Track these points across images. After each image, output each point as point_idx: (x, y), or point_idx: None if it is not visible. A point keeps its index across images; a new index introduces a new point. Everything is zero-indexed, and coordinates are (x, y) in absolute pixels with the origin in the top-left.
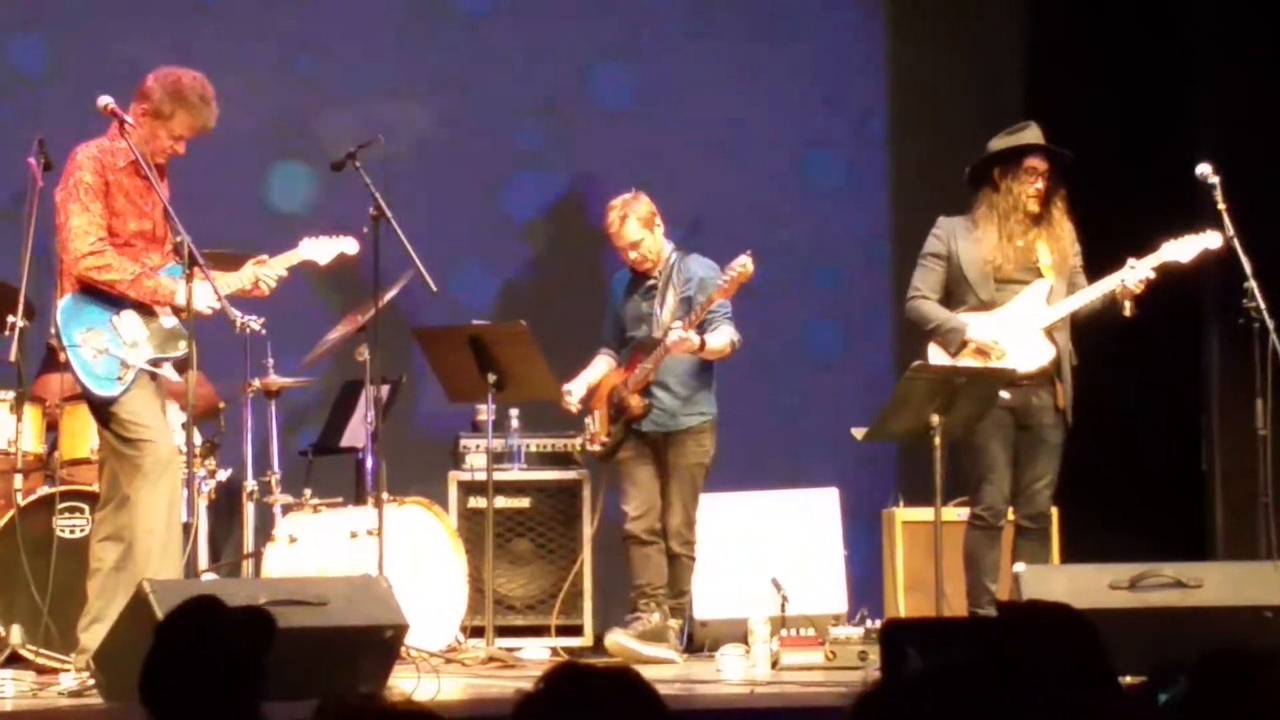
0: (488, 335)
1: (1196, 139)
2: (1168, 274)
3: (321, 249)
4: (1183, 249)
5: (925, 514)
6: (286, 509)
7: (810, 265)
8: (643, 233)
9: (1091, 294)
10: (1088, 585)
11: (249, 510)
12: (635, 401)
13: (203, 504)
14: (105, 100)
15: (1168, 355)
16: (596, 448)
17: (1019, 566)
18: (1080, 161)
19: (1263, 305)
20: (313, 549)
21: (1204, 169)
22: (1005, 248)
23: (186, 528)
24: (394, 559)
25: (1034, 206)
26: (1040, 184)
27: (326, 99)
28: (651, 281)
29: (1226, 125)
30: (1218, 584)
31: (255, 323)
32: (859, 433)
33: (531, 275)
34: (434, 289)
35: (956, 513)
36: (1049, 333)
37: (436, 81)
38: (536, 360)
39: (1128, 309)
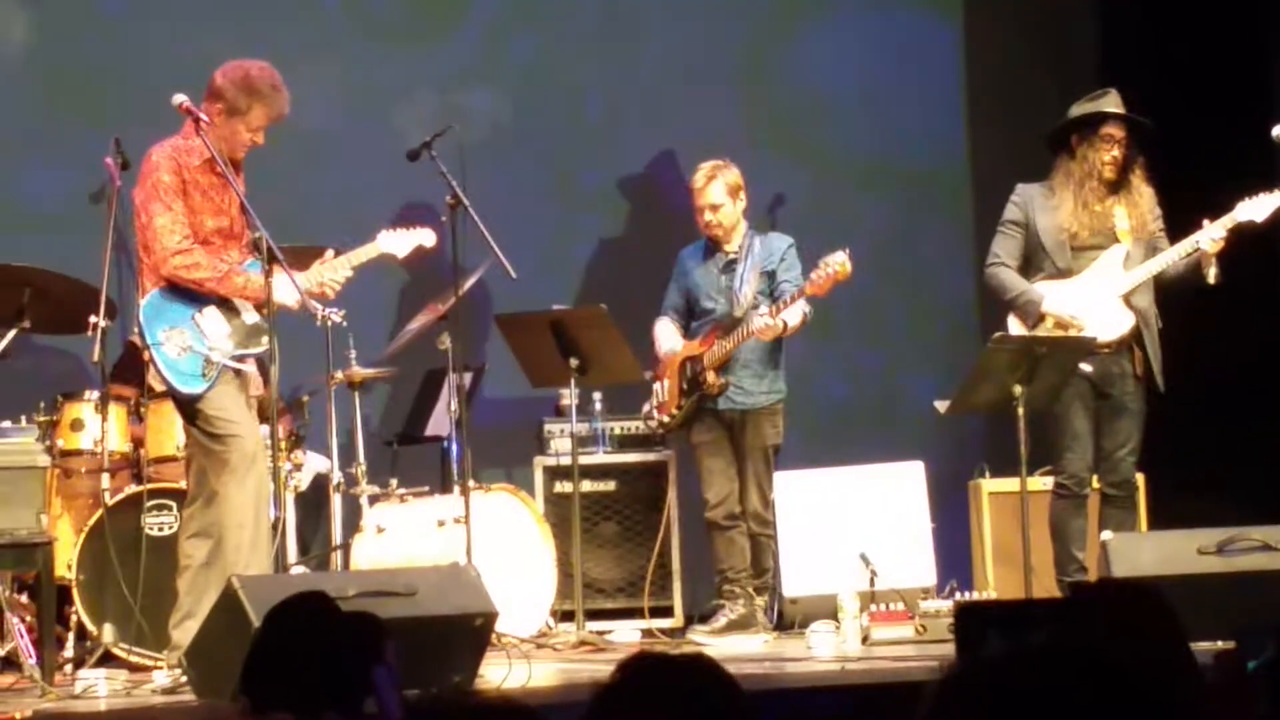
0: (569, 320)
1: (1274, 101)
2: (1247, 234)
3: (399, 242)
4: (1257, 208)
5: (1011, 484)
6: (373, 500)
7: (892, 239)
8: (725, 198)
9: (1168, 257)
10: (1175, 551)
11: (336, 502)
12: (713, 379)
13: (290, 497)
14: (180, 98)
15: (1250, 314)
16: (665, 418)
17: (1106, 535)
18: (1156, 126)
19: (1212, 267)
20: (401, 539)
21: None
22: (1081, 214)
23: (275, 522)
24: (482, 546)
25: (1110, 174)
26: (1117, 151)
27: (401, 88)
28: (730, 256)
29: None
30: None
31: (337, 315)
32: (942, 405)
33: (611, 258)
34: (513, 275)
35: (1043, 482)
36: (1127, 299)
37: (511, 67)
38: (618, 343)
39: (1211, 276)
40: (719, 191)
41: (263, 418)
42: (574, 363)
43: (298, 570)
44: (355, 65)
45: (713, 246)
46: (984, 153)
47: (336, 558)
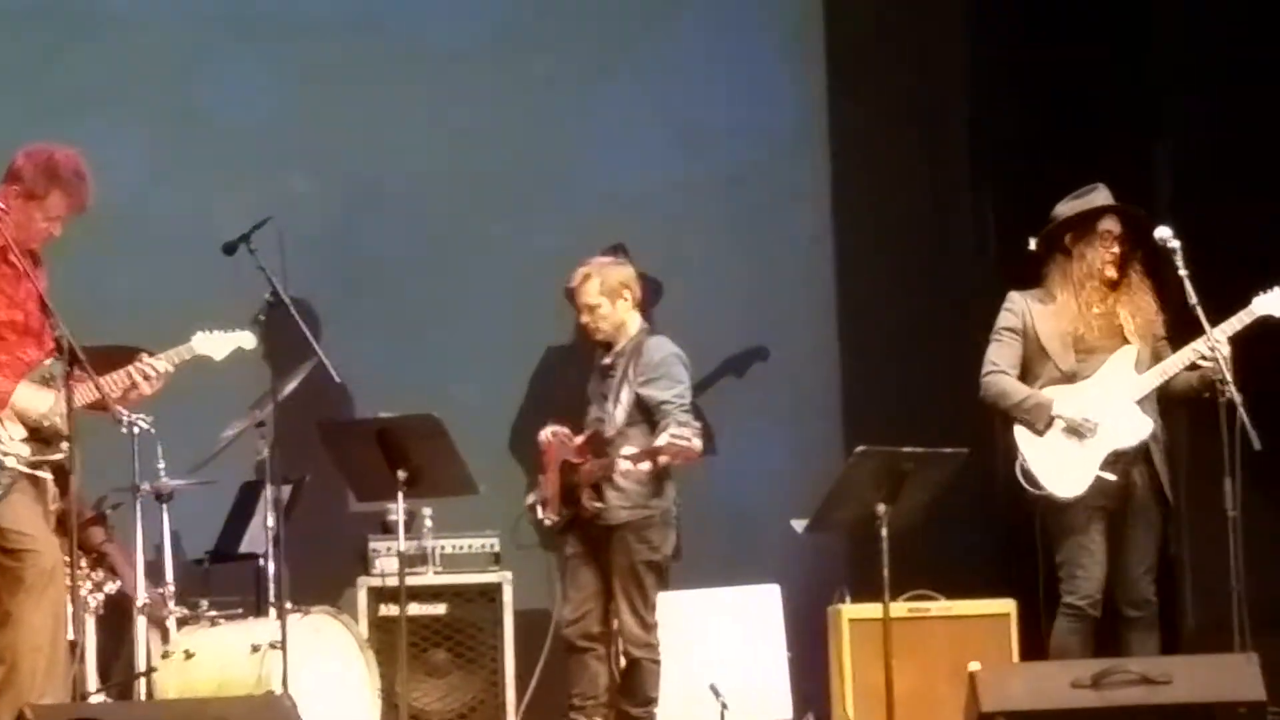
0: (397, 428)
1: (1156, 199)
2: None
3: (216, 344)
4: (1275, 302)
5: (874, 610)
6: (182, 622)
7: (750, 343)
8: (600, 299)
9: (1178, 361)
10: (1048, 684)
11: (140, 625)
12: (586, 500)
13: (90, 619)
14: None
15: None
16: (547, 522)
17: (974, 665)
18: (1039, 230)
19: (1228, 377)
20: (211, 665)
21: (1164, 232)
22: (1086, 316)
23: (72, 645)
24: (299, 673)
25: (1111, 272)
26: (1117, 248)
27: (218, 176)
28: (611, 360)
29: (1190, 183)
30: (1187, 679)
31: (143, 421)
32: (800, 524)
33: (444, 362)
34: (337, 379)
35: (907, 608)
36: (1140, 405)
37: (338, 155)
38: (451, 454)
39: (1232, 392)
40: (593, 291)
41: (61, 531)
42: (402, 475)
43: (97, 699)
44: (167, 152)
45: (605, 345)
46: (851, 258)
47: (140, 685)
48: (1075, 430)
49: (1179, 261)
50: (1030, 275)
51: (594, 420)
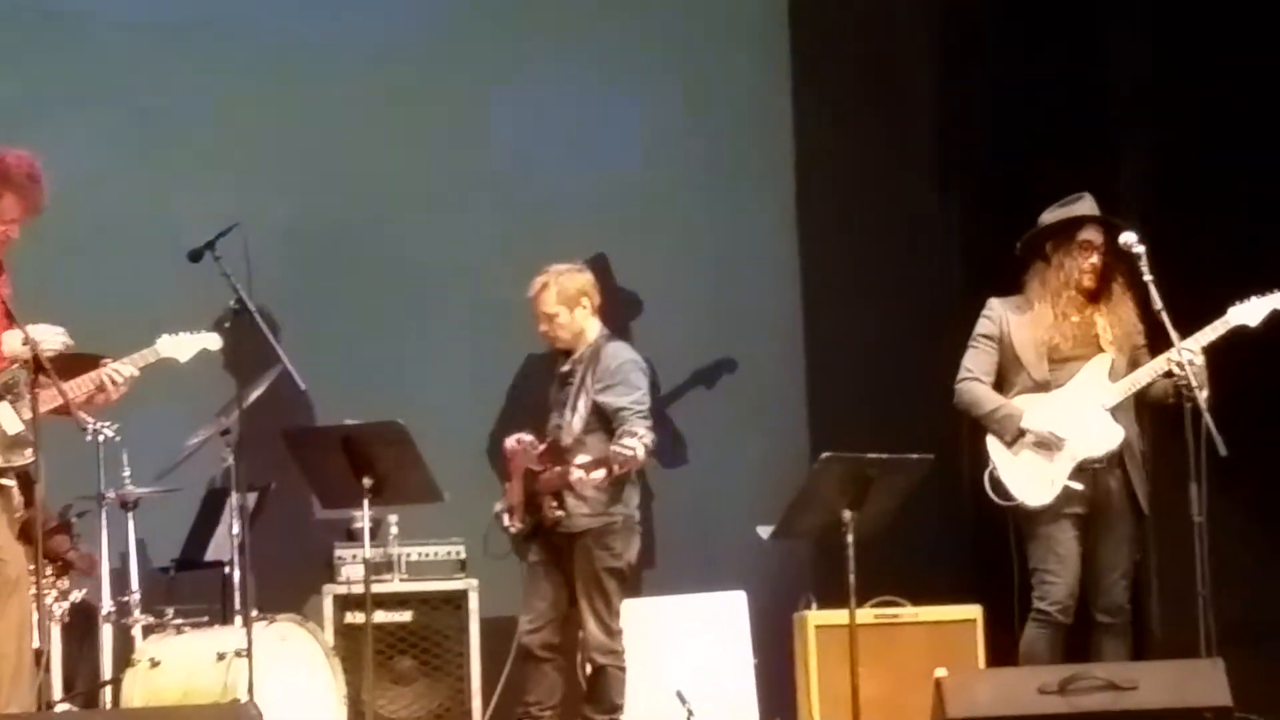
0: (362, 435)
1: (1127, 205)
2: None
3: (181, 346)
4: (1250, 312)
5: (840, 617)
6: (147, 630)
7: (716, 349)
8: (559, 308)
9: (1153, 370)
10: (1014, 690)
11: (106, 633)
12: (547, 507)
13: (55, 627)
14: None
15: None
16: (513, 530)
17: (940, 671)
18: (1008, 234)
19: (1194, 382)
20: (177, 673)
21: (1128, 238)
22: (1061, 325)
23: (38, 654)
24: (265, 681)
25: (1089, 282)
26: (1096, 258)
27: (182, 182)
28: (570, 367)
29: (1163, 190)
30: (1154, 685)
31: (108, 428)
32: (766, 531)
33: (410, 369)
34: (303, 386)
35: (874, 614)
36: (1114, 413)
37: (302, 161)
38: (416, 461)
39: (1203, 400)
40: (551, 299)
41: (26, 539)
42: (367, 482)
43: (62, 708)
44: (132, 155)
45: (566, 353)
46: (817, 265)
47: (105, 694)
48: (1044, 444)
49: (1143, 267)
50: (998, 281)
51: (554, 428)
